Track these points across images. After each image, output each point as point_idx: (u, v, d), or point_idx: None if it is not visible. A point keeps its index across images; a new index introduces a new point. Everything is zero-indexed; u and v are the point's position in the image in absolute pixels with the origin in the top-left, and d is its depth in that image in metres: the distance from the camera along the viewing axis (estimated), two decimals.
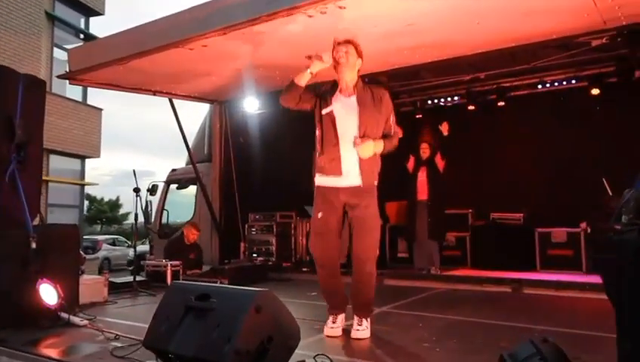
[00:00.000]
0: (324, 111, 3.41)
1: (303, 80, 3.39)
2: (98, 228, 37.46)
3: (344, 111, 3.39)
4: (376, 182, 3.44)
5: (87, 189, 32.54)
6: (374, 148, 3.33)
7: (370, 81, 3.90)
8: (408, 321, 3.81)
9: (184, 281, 3.02)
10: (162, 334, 2.56)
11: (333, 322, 3.46)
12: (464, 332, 3.53)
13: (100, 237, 23.01)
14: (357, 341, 3.28)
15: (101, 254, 20.10)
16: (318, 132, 3.48)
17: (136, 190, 5.76)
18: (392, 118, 3.50)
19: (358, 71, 3.48)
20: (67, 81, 6.38)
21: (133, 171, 5.71)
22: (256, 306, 2.37)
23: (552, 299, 4.94)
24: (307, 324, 3.67)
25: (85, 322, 3.83)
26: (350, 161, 3.35)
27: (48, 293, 3.79)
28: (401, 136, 3.53)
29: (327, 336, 3.40)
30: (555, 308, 4.54)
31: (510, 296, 5.16)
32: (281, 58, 5.34)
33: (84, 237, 20.55)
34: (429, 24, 4.56)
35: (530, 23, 4.64)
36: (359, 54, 3.45)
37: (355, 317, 3.40)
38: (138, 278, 5.77)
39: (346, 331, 3.43)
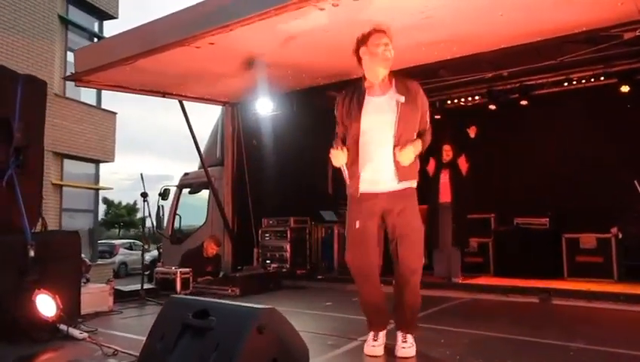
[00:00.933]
0: (356, 118, 3.07)
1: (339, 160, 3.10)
2: (116, 232, 37.79)
3: (379, 112, 3.05)
4: (415, 184, 3.13)
5: (105, 193, 33.08)
6: (414, 151, 3.01)
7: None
8: (429, 337, 3.50)
9: (182, 296, 2.78)
10: (157, 354, 2.33)
11: (374, 339, 3.14)
12: (491, 351, 3.22)
13: (117, 242, 23.12)
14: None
15: (118, 259, 20.18)
16: (349, 141, 3.14)
17: (144, 195, 5.57)
18: (427, 113, 3.17)
19: None
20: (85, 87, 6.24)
21: (141, 175, 5.52)
22: (258, 326, 2.13)
23: (584, 311, 4.59)
24: (320, 340, 3.41)
25: (85, 335, 3.62)
26: (386, 164, 3.02)
27: (46, 304, 3.58)
28: (432, 131, 3.20)
29: (368, 355, 3.10)
30: (588, 322, 4.19)
31: (538, 308, 4.81)
32: (292, 56, 5.11)
33: (101, 241, 20.65)
34: (447, 16, 4.28)
35: (559, 15, 4.33)
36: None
37: (399, 334, 3.08)
38: (146, 286, 5.59)
39: (388, 348, 3.13)
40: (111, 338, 3.58)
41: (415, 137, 3.07)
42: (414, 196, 3.10)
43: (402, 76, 3.17)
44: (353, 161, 3.09)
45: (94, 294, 4.64)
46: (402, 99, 3.01)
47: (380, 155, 3.03)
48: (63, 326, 3.63)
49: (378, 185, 3.03)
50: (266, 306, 2.23)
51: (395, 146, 2.98)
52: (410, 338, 3.06)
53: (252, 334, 2.10)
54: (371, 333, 3.16)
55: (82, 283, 4.49)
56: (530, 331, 3.69)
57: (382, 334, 3.17)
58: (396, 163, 2.99)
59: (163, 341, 2.34)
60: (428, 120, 3.16)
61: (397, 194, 3.02)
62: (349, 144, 3.10)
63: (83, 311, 4.24)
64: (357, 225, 3.08)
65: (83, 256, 5.13)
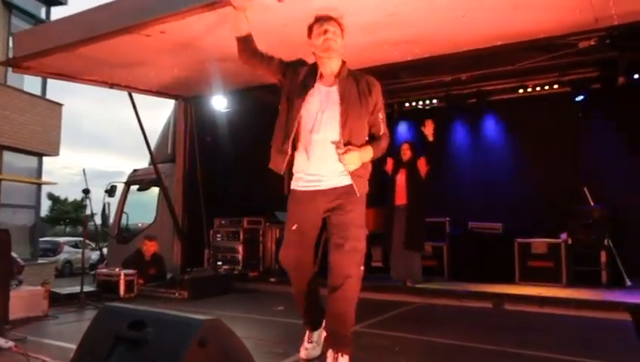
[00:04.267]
0: (298, 101, 2.78)
1: (237, 25, 2.81)
2: (62, 229, 36.20)
3: (324, 106, 2.77)
4: (365, 188, 2.84)
5: (51, 189, 31.53)
6: (361, 157, 2.75)
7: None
8: (383, 344, 3.39)
9: (117, 304, 2.53)
10: None
11: (309, 341, 2.95)
12: (447, 359, 3.13)
13: (62, 239, 22.05)
14: None
15: (62, 257, 19.23)
16: (278, 118, 2.89)
17: (86, 191, 5.22)
18: (382, 115, 2.89)
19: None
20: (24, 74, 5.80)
21: (83, 170, 5.19)
22: (200, 339, 1.93)
23: (536, 317, 4.60)
24: (267, 348, 3.23)
25: (10, 344, 3.29)
26: (329, 159, 2.74)
27: None
28: (388, 138, 2.95)
29: (302, 359, 2.90)
30: (540, 328, 4.19)
31: (492, 313, 4.80)
32: None
33: (44, 239, 19.64)
34: (412, 14, 4.18)
35: (519, 18, 4.32)
36: (343, 33, 2.84)
37: (330, 354, 2.71)
38: (88, 288, 5.23)
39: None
40: (40, 347, 3.30)
41: (366, 140, 2.83)
42: (362, 196, 2.82)
43: (363, 73, 2.94)
44: (286, 136, 2.79)
45: (26, 298, 4.27)
46: (353, 93, 2.77)
47: (322, 150, 2.75)
48: None
49: (319, 182, 2.77)
50: (210, 317, 2.03)
51: (337, 144, 2.71)
52: (342, 359, 2.68)
53: (192, 348, 1.90)
54: (307, 333, 2.97)
55: (13, 286, 4.14)
56: (484, 338, 3.64)
57: (317, 334, 2.97)
58: (341, 160, 2.72)
59: (92, 354, 2.10)
60: (383, 125, 2.89)
61: (339, 191, 2.76)
62: (285, 120, 2.83)
63: (12, 317, 3.89)
64: (294, 228, 2.83)
65: (15, 255, 4.75)
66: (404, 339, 3.58)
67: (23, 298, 4.22)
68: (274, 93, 6.83)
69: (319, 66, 2.86)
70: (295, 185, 2.87)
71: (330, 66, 2.83)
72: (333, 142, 2.74)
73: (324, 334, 2.89)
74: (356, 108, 2.77)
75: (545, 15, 4.29)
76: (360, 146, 2.77)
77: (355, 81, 2.83)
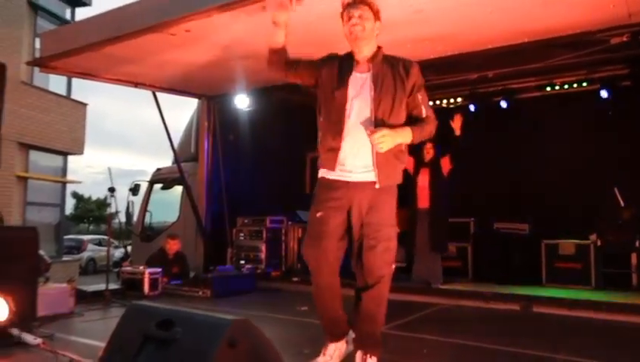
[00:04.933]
0: (335, 93, 2.69)
1: (274, 38, 2.72)
2: (86, 227, 36.83)
3: (358, 93, 2.68)
4: (397, 181, 2.73)
5: (75, 187, 32.10)
6: (396, 138, 2.58)
7: None
8: (411, 346, 3.33)
9: (145, 303, 2.53)
10: None
11: (323, 354, 2.81)
12: None
13: (86, 237, 22.39)
14: None
15: (86, 255, 19.53)
16: (322, 118, 2.80)
17: (111, 189, 5.27)
18: (421, 97, 2.73)
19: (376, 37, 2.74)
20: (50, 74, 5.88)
21: (109, 169, 5.26)
22: (229, 339, 1.90)
23: (567, 320, 4.48)
24: (295, 349, 3.19)
25: (39, 341, 3.31)
26: (363, 150, 2.64)
27: None
28: (435, 122, 2.79)
29: None
30: (571, 332, 4.09)
31: (520, 316, 4.69)
32: None
33: (69, 236, 19.98)
34: (438, 12, 4.11)
35: (549, 14, 4.21)
36: (376, 16, 2.69)
37: (359, 355, 2.68)
38: (113, 286, 5.28)
39: None
40: (67, 344, 3.31)
41: (403, 123, 2.68)
42: (393, 193, 2.74)
43: (400, 57, 2.81)
44: (335, 134, 2.67)
45: (53, 295, 4.32)
46: (387, 79, 2.67)
47: (355, 139, 2.65)
48: (15, 331, 3.32)
49: (351, 173, 2.67)
50: (239, 317, 2.00)
51: (370, 129, 2.59)
52: (372, 360, 2.65)
53: (222, 348, 1.87)
54: (325, 345, 2.82)
55: (40, 283, 4.18)
56: (514, 341, 3.56)
57: (333, 347, 2.81)
58: (375, 152, 2.61)
59: (121, 353, 2.09)
60: (425, 107, 2.74)
61: (370, 186, 2.66)
62: (329, 114, 2.73)
63: (40, 314, 3.92)
64: (318, 215, 2.72)
65: (42, 253, 4.80)
66: (431, 341, 3.52)
67: (50, 295, 4.27)
68: (296, 92, 6.79)
69: (354, 54, 2.77)
70: (325, 173, 2.77)
71: (363, 52, 2.73)
72: (365, 128, 2.63)
73: (340, 350, 2.82)
74: (390, 93, 2.66)
75: (576, 10, 4.18)
76: (394, 128, 2.62)
77: (390, 66, 2.73)
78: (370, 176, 2.67)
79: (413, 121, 2.73)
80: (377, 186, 2.66)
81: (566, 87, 6.94)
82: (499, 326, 4.26)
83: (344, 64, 2.77)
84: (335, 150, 2.69)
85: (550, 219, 6.62)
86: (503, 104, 7.33)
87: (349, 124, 2.67)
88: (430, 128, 2.76)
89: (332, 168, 2.71)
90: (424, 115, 2.75)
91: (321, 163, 2.79)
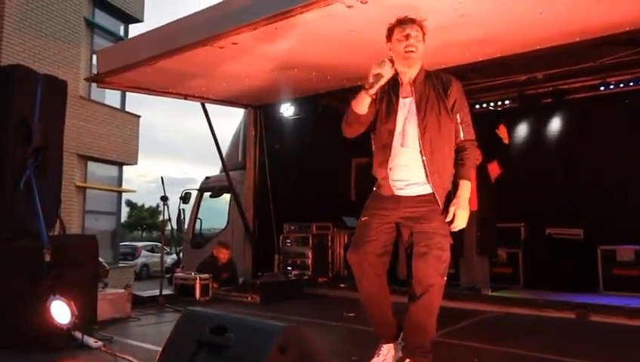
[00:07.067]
0: (384, 120, 2.77)
1: (363, 107, 2.75)
2: (139, 234, 38.20)
3: (405, 119, 2.74)
4: (448, 190, 2.76)
5: (129, 196, 33.42)
6: (464, 207, 2.69)
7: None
8: (462, 355, 3.27)
9: (199, 309, 2.62)
10: None
11: (377, 354, 2.84)
12: None
13: (139, 244, 23.28)
14: None
15: (140, 261, 20.30)
16: (374, 139, 2.88)
17: (164, 198, 5.46)
18: (461, 117, 2.73)
19: None
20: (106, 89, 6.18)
21: (161, 178, 5.45)
22: (281, 345, 1.94)
23: (627, 330, 4.28)
24: (343, 355, 3.21)
25: (99, 344, 3.48)
26: (412, 168, 2.70)
27: (60, 311, 3.45)
28: (474, 144, 2.79)
29: None
30: (630, 342, 3.89)
31: (577, 325, 4.51)
32: (317, 57, 4.93)
33: (124, 243, 20.80)
34: (483, 14, 4.05)
35: (602, 11, 4.06)
36: (424, 37, 2.72)
37: None
38: (166, 291, 5.47)
39: None
40: (127, 348, 3.47)
41: (453, 148, 2.73)
42: (442, 203, 2.73)
43: (440, 73, 2.84)
44: (381, 163, 2.78)
45: (112, 300, 4.51)
46: (431, 99, 2.70)
47: (407, 160, 2.71)
48: (77, 334, 3.50)
49: (402, 189, 2.73)
50: (290, 324, 2.05)
51: (421, 152, 2.66)
52: None
53: (273, 354, 1.92)
54: (378, 347, 2.85)
55: (100, 289, 4.39)
56: (571, 351, 3.41)
57: (386, 347, 2.84)
58: (426, 169, 2.66)
59: (177, 358, 2.18)
60: (463, 129, 2.74)
61: (421, 199, 2.69)
62: (380, 137, 2.81)
63: (100, 318, 4.12)
64: (363, 219, 2.78)
65: (101, 260, 5.04)
66: (482, 350, 3.45)
67: (109, 300, 4.46)
68: (341, 100, 6.88)
69: (400, 74, 2.79)
70: (378, 189, 2.85)
71: (409, 74, 2.77)
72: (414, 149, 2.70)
73: (393, 352, 2.84)
74: (434, 114, 2.69)
75: (632, 6, 4.01)
76: (446, 165, 2.71)
77: (431, 85, 2.74)
78: (421, 189, 2.71)
79: (460, 147, 2.76)
80: (426, 192, 2.69)
81: (621, 85, 6.64)
82: (553, 335, 4.12)
83: (392, 90, 2.81)
84: (386, 178, 2.76)
85: (605, 224, 6.33)
86: (553, 105, 7.11)
87: (397, 149, 2.73)
88: (473, 157, 2.79)
89: (386, 193, 2.78)
90: (462, 138, 2.76)
91: (376, 186, 2.87)
